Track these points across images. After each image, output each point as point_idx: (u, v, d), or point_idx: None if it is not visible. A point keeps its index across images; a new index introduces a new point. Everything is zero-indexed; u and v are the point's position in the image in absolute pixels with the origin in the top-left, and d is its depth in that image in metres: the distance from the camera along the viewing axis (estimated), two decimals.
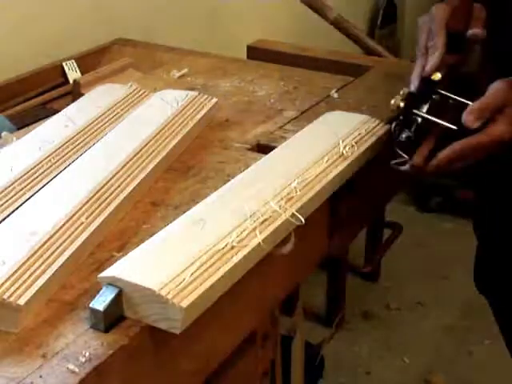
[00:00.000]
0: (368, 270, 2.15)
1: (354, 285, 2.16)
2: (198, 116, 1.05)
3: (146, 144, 0.94)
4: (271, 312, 0.99)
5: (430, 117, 0.90)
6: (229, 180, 0.87)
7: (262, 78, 1.30)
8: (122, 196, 0.84)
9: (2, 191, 0.84)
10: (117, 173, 0.87)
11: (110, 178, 0.86)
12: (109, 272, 0.67)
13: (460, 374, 1.88)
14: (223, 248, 0.71)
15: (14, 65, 1.34)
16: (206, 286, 0.67)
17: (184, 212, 0.79)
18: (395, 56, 2.19)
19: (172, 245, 0.72)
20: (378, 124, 1.00)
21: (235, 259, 0.71)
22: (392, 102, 0.94)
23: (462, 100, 0.90)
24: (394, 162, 0.93)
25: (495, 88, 0.89)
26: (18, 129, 1.10)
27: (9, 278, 0.67)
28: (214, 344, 0.77)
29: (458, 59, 0.96)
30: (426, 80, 0.92)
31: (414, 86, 0.93)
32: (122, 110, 1.05)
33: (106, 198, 0.82)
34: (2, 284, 0.66)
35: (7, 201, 0.82)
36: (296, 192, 0.82)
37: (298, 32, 2.18)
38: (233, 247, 0.72)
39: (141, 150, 0.93)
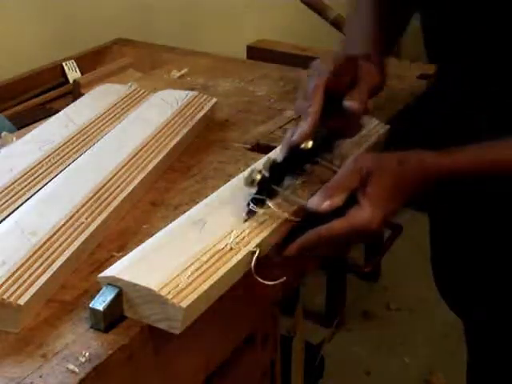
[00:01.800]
0: (368, 270, 2.15)
1: (354, 285, 2.16)
2: (198, 116, 1.05)
3: (146, 144, 0.94)
4: (271, 312, 0.99)
5: (282, 191, 0.79)
6: (229, 180, 0.86)
7: (261, 78, 1.30)
8: (121, 196, 0.84)
9: (2, 191, 0.84)
10: (117, 173, 0.87)
11: (110, 178, 0.86)
12: (109, 272, 0.67)
13: (460, 374, 1.88)
14: (223, 248, 0.71)
15: (14, 65, 1.34)
16: (205, 286, 0.67)
17: (184, 212, 0.79)
18: (395, 56, 2.19)
19: (172, 245, 0.72)
20: (378, 124, 1.00)
21: (235, 259, 0.71)
22: (245, 174, 0.79)
23: (337, 169, 0.80)
24: None
25: (351, 160, 0.77)
26: (18, 129, 1.10)
27: (9, 278, 0.67)
28: (213, 344, 0.77)
29: (340, 124, 0.84)
30: (295, 149, 0.80)
31: (281, 155, 0.81)
32: (122, 109, 1.05)
33: (106, 198, 0.82)
34: (2, 284, 0.66)
35: (7, 201, 0.82)
36: (296, 192, 0.82)
37: (298, 32, 2.18)
38: (232, 247, 0.72)
39: (141, 150, 0.93)
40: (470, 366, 1.10)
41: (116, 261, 0.70)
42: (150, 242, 0.73)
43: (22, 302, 0.65)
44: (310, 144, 0.80)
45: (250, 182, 0.77)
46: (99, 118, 1.02)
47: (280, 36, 1.78)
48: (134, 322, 0.66)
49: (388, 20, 0.97)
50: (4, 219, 0.79)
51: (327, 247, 0.77)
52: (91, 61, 1.42)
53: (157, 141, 0.96)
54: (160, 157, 0.93)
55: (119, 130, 0.99)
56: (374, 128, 0.99)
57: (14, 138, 1.02)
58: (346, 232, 0.73)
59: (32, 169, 0.89)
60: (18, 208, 0.81)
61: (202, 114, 1.06)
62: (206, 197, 0.82)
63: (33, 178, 0.87)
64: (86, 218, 0.78)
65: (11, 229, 0.76)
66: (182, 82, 1.27)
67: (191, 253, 0.70)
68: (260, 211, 0.76)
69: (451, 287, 1.04)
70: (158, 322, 0.66)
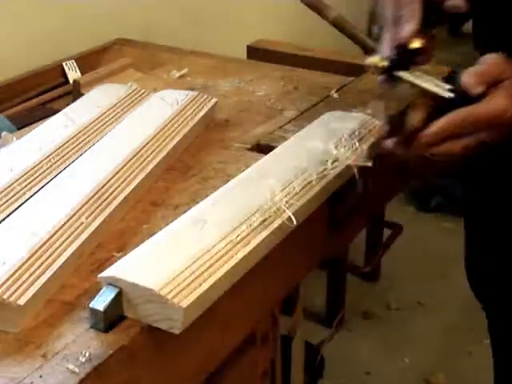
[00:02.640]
0: (368, 270, 2.15)
1: (354, 285, 2.16)
2: (198, 116, 1.05)
3: (146, 144, 0.94)
4: (271, 312, 0.99)
5: (417, 81, 0.74)
6: (229, 180, 0.86)
7: (261, 78, 1.30)
8: (122, 196, 0.84)
9: (2, 191, 0.84)
10: (117, 173, 0.87)
11: (110, 178, 0.86)
12: (109, 272, 0.67)
13: (460, 373, 1.88)
14: (223, 248, 0.72)
15: (13, 65, 1.34)
16: (205, 286, 0.67)
17: (184, 212, 0.79)
18: None
19: (172, 245, 0.72)
20: (378, 124, 1.00)
21: (235, 259, 0.71)
22: (369, 60, 0.76)
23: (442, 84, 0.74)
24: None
25: (490, 58, 0.74)
26: (18, 129, 1.10)
27: (9, 278, 0.67)
28: (213, 344, 0.77)
29: (431, 36, 0.79)
30: (401, 49, 0.75)
31: (388, 54, 0.76)
32: (121, 110, 1.05)
33: (106, 198, 0.82)
34: (2, 284, 0.66)
35: (7, 201, 0.82)
36: (296, 192, 0.82)
37: (298, 32, 2.18)
38: (232, 247, 0.72)
39: (141, 150, 0.93)
40: (496, 366, 1.12)
41: (116, 261, 0.70)
42: (150, 242, 0.73)
43: (22, 302, 0.65)
44: (417, 43, 0.75)
45: (374, 68, 0.75)
46: (99, 117, 1.02)
47: (280, 36, 1.78)
48: (133, 322, 0.66)
49: None
50: (4, 219, 0.79)
51: (472, 136, 0.72)
52: (91, 61, 1.42)
53: (157, 141, 0.96)
54: (160, 157, 0.93)
55: (119, 130, 0.99)
56: (374, 128, 0.99)
57: (14, 138, 1.02)
58: (490, 116, 0.71)
59: (32, 169, 0.89)
60: (18, 208, 0.81)
61: (201, 113, 1.06)
62: (206, 197, 0.82)
63: (33, 178, 0.87)
64: (86, 218, 0.78)
65: (11, 229, 0.76)
66: (181, 82, 1.27)
67: (191, 253, 0.70)
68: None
69: (484, 283, 1.07)
70: (157, 321, 0.66)
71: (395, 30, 0.77)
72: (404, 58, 0.75)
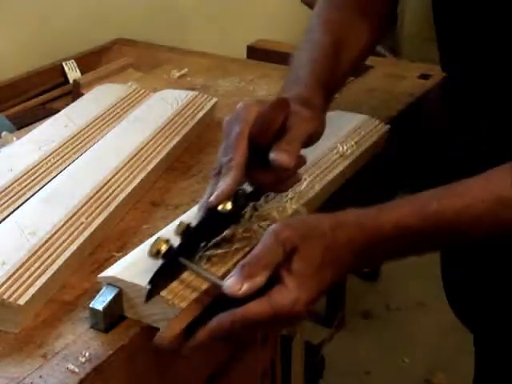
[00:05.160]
0: (368, 270, 2.15)
1: (354, 285, 2.15)
2: (198, 116, 1.05)
3: (146, 144, 0.94)
4: None
5: (192, 265, 0.66)
6: None
7: (261, 77, 1.30)
8: (121, 196, 0.84)
9: (2, 191, 0.84)
10: (117, 173, 0.87)
11: (110, 178, 0.86)
12: (109, 272, 0.67)
13: (460, 374, 1.88)
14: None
15: (14, 65, 1.34)
16: (205, 286, 0.67)
17: (184, 212, 0.79)
18: (395, 56, 2.19)
19: None
20: (378, 124, 1.00)
21: (234, 259, 0.71)
22: (150, 245, 0.65)
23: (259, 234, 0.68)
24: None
25: (272, 231, 0.63)
26: (18, 129, 1.10)
27: (9, 278, 0.67)
28: (213, 344, 0.77)
29: (270, 177, 0.71)
30: (212, 212, 0.69)
31: (196, 219, 0.70)
32: (121, 110, 1.05)
33: (106, 198, 0.82)
34: (2, 284, 0.66)
35: (7, 201, 0.82)
36: (296, 192, 0.82)
37: (298, 32, 2.18)
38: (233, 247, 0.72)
39: (141, 150, 0.93)
40: (477, 377, 1.08)
41: (116, 261, 0.70)
42: (149, 242, 0.73)
43: (22, 302, 0.65)
44: (229, 206, 0.68)
45: (154, 253, 0.64)
46: (99, 117, 1.02)
47: (280, 36, 1.77)
48: (133, 322, 0.66)
49: (340, 56, 0.85)
50: (4, 219, 0.79)
51: (243, 333, 0.64)
52: (91, 61, 1.42)
53: (157, 141, 0.96)
54: (160, 157, 0.93)
55: (119, 130, 0.99)
56: (374, 128, 0.99)
57: (14, 138, 1.02)
58: (267, 315, 0.61)
59: (32, 169, 0.89)
60: (18, 208, 0.81)
61: (201, 114, 1.06)
62: None
63: (33, 178, 0.87)
64: (86, 218, 0.78)
65: (11, 229, 0.76)
66: (181, 82, 1.27)
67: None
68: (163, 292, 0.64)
69: (465, 308, 1.00)
70: (157, 322, 0.65)
71: (210, 188, 0.70)
72: (213, 222, 0.69)
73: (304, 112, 0.74)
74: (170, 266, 0.64)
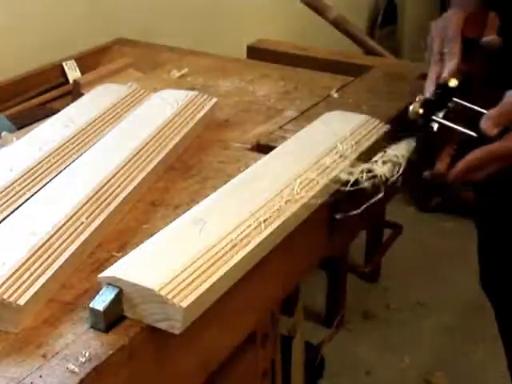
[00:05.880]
0: (368, 270, 2.15)
1: (354, 285, 2.16)
2: (198, 116, 1.05)
3: (146, 144, 0.94)
4: (271, 312, 0.99)
5: (449, 123, 0.89)
6: (229, 180, 0.86)
7: (261, 78, 1.30)
8: (121, 196, 0.84)
9: (2, 191, 0.84)
10: (117, 173, 0.87)
11: (110, 178, 0.86)
12: (109, 272, 0.67)
13: (460, 374, 1.88)
14: (223, 248, 0.72)
15: (14, 65, 1.34)
16: (205, 286, 0.67)
17: (184, 212, 0.79)
18: (395, 56, 2.19)
19: (172, 245, 0.72)
20: (378, 124, 1.00)
21: (235, 259, 0.71)
22: (410, 108, 0.91)
23: (478, 108, 0.89)
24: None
25: (508, 98, 0.87)
26: (18, 129, 1.10)
27: (9, 278, 0.67)
28: (214, 344, 0.77)
29: (471, 67, 0.95)
30: (442, 86, 0.91)
31: (429, 93, 0.92)
32: (121, 110, 1.05)
33: (106, 198, 0.82)
34: (2, 284, 0.66)
35: (7, 201, 0.82)
36: (296, 192, 0.82)
37: (298, 32, 2.18)
38: (233, 247, 0.72)
39: (141, 150, 0.93)
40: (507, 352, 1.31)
41: (116, 261, 0.70)
42: (149, 242, 0.73)
43: (22, 302, 0.65)
44: (455, 82, 0.90)
45: (414, 114, 0.90)
46: (99, 117, 1.02)
47: (280, 36, 1.78)
48: (133, 322, 0.66)
49: None
50: (4, 219, 0.79)
51: (488, 168, 0.86)
52: (91, 61, 1.42)
53: (157, 141, 0.96)
54: (160, 157, 0.93)
55: (119, 130, 0.99)
56: (374, 128, 0.99)
57: (14, 138, 1.02)
58: (505, 152, 0.85)
59: (32, 169, 0.89)
60: (18, 208, 0.81)
61: (201, 113, 1.06)
62: (206, 197, 0.82)
63: (33, 178, 0.87)
64: (86, 218, 0.78)
65: (11, 229, 0.76)
66: (181, 82, 1.27)
67: (191, 253, 0.70)
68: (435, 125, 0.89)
69: (495, 274, 1.24)
70: (157, 321, 0.66)
71: (437, 69, 0.93)
72: (443, 96, 0.91)
73: (493, 13, 0.96)
74: (425, 124, 0.90)
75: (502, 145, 0.85)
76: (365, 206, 0.85)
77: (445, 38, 0.93)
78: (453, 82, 0.91)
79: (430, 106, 0.90)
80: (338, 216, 0.88)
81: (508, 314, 1.26)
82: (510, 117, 0.86)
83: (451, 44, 0.92)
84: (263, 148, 1.02)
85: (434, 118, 0.90)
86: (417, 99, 0.91)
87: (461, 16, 0.94)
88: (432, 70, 0.94)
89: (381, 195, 0.84)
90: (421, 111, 0.90)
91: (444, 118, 0.90)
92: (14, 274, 0.68)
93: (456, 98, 0.92)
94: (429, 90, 0.92)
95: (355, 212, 0.85)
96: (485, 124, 0.86)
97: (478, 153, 0.86)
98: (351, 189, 0.85)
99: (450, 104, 0.92)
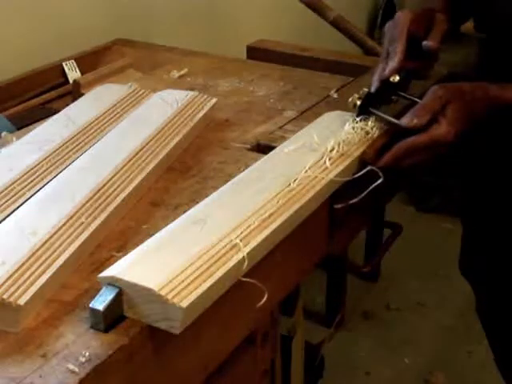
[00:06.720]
0: (368, 270, 2.15)
1: (354, 285, 2.16)
2: (198, 116, 1.05)
3: (146, 144, 0.94)
4: (271, 312, 0.99)
5: (381, 114, 0.97)
6: (229, 180, 0.87)
7: (261, 78, 1.30)
8: (121, 196, 0.84)
9: (2, 191, 0.84)
10: (117, 173, 0.87)
11: (110, 178, 0.86)
12: (109, 272, 0.67)
13: (460, 373, 1.88)
14: (223, 248, 0.72)
15: (13, 65, 1.34)
16: (205, 286, 0.67)
17: (184, 212, 0.79)
18: None
19: (172, 245, 0.72)
20: (378, 123, 1.00)
21: (235, 259, 0.71)
22: (349, 100, 0.99)
23: (417, 100, 0.96)
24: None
25: (433, 90, 0.94)
26: (18, 129, 1.10)
27: (9, 278, 0.67)
28: (213, 344, 0.77)
29: (417, 65, 1.01)
30: (385, 82, 0.97)
31: (373, 87, 0.98)
32: (122, 110, 1.05)
33: (106, 198, 0.82)
34: (2, 284, 0.66)
35: (7, 201, 0.82)
36: (296, 192, 0.82)
37: (298, 32, 2.18)
38: (233, 247, 0.72)
39: (141, 150, 0.93)
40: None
41: (116, 261, 0.70)
42: (149, 242, 0.73)
43: (22, 302, 0.65)
44: (397, 78, 0.97)
45: (352, 105, 0.98)
46: (99, 117, 1.02)
47: (280, 36, 1.78)
48: (133, 322, 0.66)
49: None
50: (4, 219, 0.79)
51: (415, 157, 0.92)
52: (91, 61, 1.42)
53: (157, 141, 0.96)
54: (160, 157, 0.93)
55: (119, 130, 0.99)
56: (374, 128, 0.99)
57: (14, 138, 1.02)
58: (429, 142, 0.91)
59: (32, 169, 0.89)
60: (18, 208, 0.81)
61: (201, 114, 1.06)
62: (206, 197, 0.82)
63: (33, 178, 0.87)
64: (86, 218, 0.78)
65: (11, 229, 0.76)
66: (181, 82, 1.27)
67: (191, 253, 0.70)
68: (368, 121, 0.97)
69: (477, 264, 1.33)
70: (157, 321, 0.66)
71: (382, 66, 0.99)
72: (384, 90, 0.98)
73: (442, 16, 1.02)
74: (363, 112, 0.97)
75: (422, 138, 0.91)
76: (365, 192, 0.86)
77: (391, 38, 0.99)
78: (394, 78, 0.97)
79: (370, 99, 0.98)
80: (337, 206, 0.90)
81: (485, 298, 1.36)
82: (431, 109, 0.92)
83: (395, 43, 0.98)
84: (263, 148, 1.02)
85: (370, 109, 0.98)
86: (360, 92, 0.99)
87: (407, 16, 0.99)
88: (379, 66, 1.00)
89: (380, 180, 0.87)
90: (358, 103, 0.98)
91: (383, 110, 0.98)
92: (13, 273, 0.68)
93: (400, 92, 0.99)
94: (373, 84, 0.98)
95: (355, 200, 0.87)
96: (406, 117, 0.93)
97: (402, 144, 0.92)
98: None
99: (393, 97, 1.00)
